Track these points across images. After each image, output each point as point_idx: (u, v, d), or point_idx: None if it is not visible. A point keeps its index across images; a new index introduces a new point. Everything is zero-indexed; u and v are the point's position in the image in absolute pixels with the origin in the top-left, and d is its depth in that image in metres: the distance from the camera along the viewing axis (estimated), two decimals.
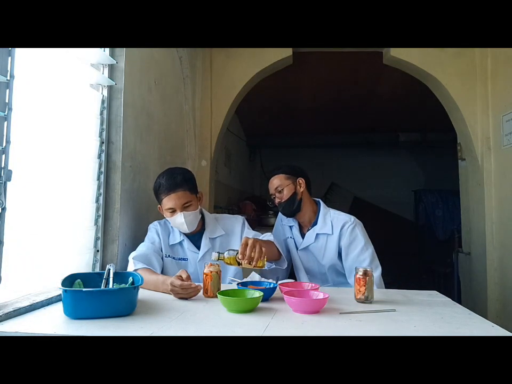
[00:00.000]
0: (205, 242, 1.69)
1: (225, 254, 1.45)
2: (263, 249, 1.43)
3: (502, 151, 2.50)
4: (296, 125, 5.55)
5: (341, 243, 1.75)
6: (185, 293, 1.32)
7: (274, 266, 1.71)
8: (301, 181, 1.84)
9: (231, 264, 1.46)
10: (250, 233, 1.73)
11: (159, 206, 1.68)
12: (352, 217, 1.80)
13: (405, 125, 5.37)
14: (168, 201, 1.59)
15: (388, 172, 6.24)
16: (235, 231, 1.76)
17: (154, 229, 1.70)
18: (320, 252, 1.80)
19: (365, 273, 1.34)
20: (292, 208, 1.82)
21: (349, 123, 5.38)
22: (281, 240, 1.95)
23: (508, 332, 1.01)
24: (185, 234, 1.70)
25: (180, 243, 1.70)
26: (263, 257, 1.42)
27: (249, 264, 1.42)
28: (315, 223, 1.82)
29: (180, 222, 1.60)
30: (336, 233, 1.77)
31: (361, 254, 1.71)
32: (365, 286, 1.33)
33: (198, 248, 1.69)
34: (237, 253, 1.44)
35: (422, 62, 2.72)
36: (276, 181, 1.84)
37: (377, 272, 1.66)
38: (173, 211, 1.60)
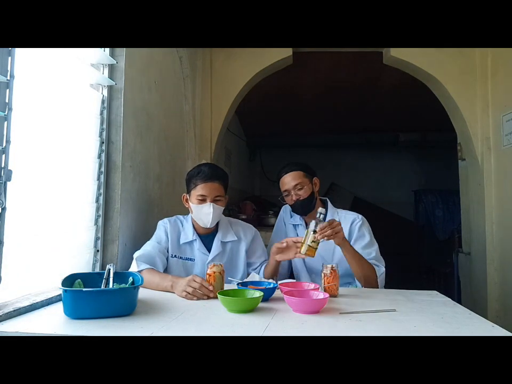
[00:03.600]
0: (216, 245, 1.68)
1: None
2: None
3: (502, 151, 2.50)
4: (296, 125, 5.54)
5: (351, 239, 1.76)
6: (197, 291, 1.34)
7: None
8: (316, 180, 1.84)
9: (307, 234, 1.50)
10: (259, 246, 1.77)
11: (184, 194, 1.69)
12: (360, 216, 1.83)
13: (405, 125, 5.36)
14: (203, 188, 1.59)
15: (387, 172, 6.23)
16: (246, 238, 1.76)
17: (163, 226, 1.69)
18: (328, 251, 1.78)
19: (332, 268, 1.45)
20: (309, 207, 1.81)
21: (349, 123, 5.37)
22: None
23: (508, 331, 1.01)
24: (198, 233, 1.70)
25: (191, 242, 1.69)
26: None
27: (315, 239, 1.48)
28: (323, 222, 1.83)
29: (208, 211, 1.60)
30: (345, 232, 1.77)
31: (367, 247, 1.72)
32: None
33: (208, 250, 1.68)
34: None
35: (422, 62, 2.72)
36: (297, 178, 1.79)
37: (382, 269, 1.66)
38: (203, 200, 1.60)
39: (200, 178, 1.61)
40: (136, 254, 1.57)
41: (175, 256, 1.67)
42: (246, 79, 2.87)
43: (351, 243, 1.74)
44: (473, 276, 2.83)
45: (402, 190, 6.12)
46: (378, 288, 1.64)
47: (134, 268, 1.52)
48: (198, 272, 1.64)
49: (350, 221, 1.79)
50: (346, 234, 1.77)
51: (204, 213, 1.61)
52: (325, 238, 1.48)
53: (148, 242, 1.65)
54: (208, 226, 1.65)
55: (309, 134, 5.80)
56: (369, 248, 1.71)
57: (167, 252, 1.66)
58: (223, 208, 1.66)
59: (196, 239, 1.68)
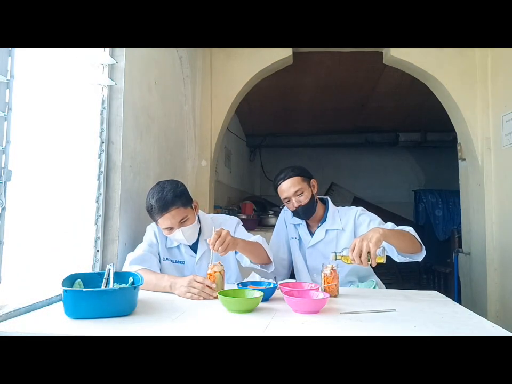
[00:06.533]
0: (201, 245, 1.67)
1: (343, 252, 1.41)
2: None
3: (502, 151, 2.50)
4: (296, 124, 5.54)
5: (358, 231, 1.76)
6: (202, 291, 1.34)
7: (259, 267, 1.65)
8: (314, 182, 1.84)
9: (349, 263, 1.39)
10: (242, 233, 1.71)
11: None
12: (358, 207, 1.85)
13: (405, 125, 5.37)
14: (163, 221, 1.53)
15: (388, 172, 6.25)
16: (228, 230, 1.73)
17: (152, 230, 1.68)
18: (331, 248, 1.78)
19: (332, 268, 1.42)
20: (311, 211, 1.80)
21: (349, 123, 5.38)
22: (284, 241, 1.95)
23: (508, 331, 1.01)
24: None
25: (177, 246, 1.69)
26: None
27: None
28: (324, 220, 1.83)
29: (180, 238, 1.57)
30: (350, 228, 1.78)
31: (382, 223, 1.71)
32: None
33: (195, 251, 1.68)
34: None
35: (422, 62, 2.72)
36: (295, 184, 1.76)
37: (408, 228, 1.57)
38: (171, 229, 1.55)
39: (155, 213, 1.53)
40: (129, 258, 1.56)
41: (167, 259, 1.67)
42: (246, 79, 2.86)
43: (366, 230, 1.67)
44: (473, 276, 2.83)
45: (402, 190, 6.13)
46: (423, 248, 1.53)
47: (126, 269, 1.50)
48: (189, 274, 1.63)
49: (353, 214, 1.80)
50: (352, 227, 1.78)
51: (178, 238, 1.59)
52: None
53: (139, 246, 1.64)
54: (190, 244, 1.64)
55: (309, 134, 5.80)
56: (384, 223, 1.70)
57: (159, 255, 1.65)
58: (195, 221, 1.60)
59: (181, 243, 1.67)
